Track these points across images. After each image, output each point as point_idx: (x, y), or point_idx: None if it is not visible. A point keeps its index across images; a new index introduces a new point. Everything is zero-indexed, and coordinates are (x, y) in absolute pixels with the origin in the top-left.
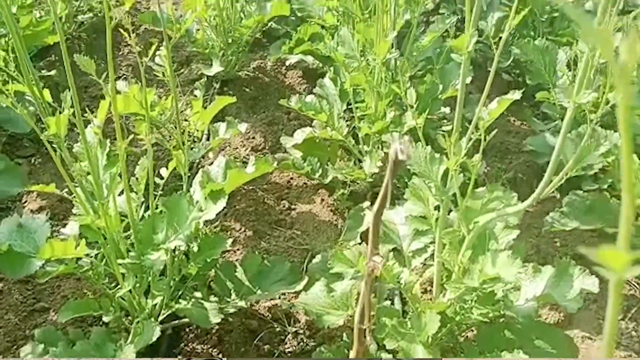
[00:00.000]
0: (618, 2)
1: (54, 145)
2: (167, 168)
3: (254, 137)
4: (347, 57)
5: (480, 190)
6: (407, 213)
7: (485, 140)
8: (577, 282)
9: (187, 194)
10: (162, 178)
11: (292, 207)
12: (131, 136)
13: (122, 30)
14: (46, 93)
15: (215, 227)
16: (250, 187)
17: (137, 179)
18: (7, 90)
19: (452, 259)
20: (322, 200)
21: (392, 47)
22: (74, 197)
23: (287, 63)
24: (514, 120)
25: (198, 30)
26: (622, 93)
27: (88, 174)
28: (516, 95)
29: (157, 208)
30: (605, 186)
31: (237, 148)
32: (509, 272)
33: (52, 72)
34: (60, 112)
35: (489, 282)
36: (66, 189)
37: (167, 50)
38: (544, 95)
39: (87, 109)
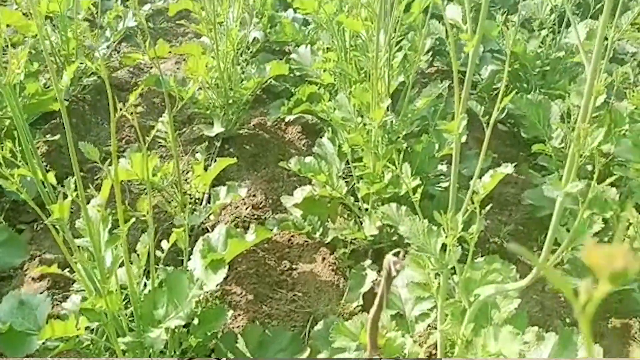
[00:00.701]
0: (608, 53)
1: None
2: (167, 241)
3: (254, 195)
4: (344, 120)
5: (479, 260)
6: (408, 280)
7: (481, 214)
8: (581, 351)
9: (187, 271)
10: (162, 251)
11: (294, 266)
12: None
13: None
14: (50, 176)
15: (216, 293)
16: (252, 248)
17: (138, 255)
18: (12, 175)
19: (455, 331)
20: (324, 259)
21: (388, 109)
22: (75, 274)
23: (287, 119)
24: (513, 172)
25: (200, 90)
26: (585, 330)
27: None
28: (508, 169)
29: (158, 280)
30: (606, 239)
31: (238, 207)
32: (512, 348)
33: (57, 137)
34: (64, 196)
35: (492, 358)
36: (68, 268)
37: (169, 117)
38: (540, 148)
39: (90, 172)
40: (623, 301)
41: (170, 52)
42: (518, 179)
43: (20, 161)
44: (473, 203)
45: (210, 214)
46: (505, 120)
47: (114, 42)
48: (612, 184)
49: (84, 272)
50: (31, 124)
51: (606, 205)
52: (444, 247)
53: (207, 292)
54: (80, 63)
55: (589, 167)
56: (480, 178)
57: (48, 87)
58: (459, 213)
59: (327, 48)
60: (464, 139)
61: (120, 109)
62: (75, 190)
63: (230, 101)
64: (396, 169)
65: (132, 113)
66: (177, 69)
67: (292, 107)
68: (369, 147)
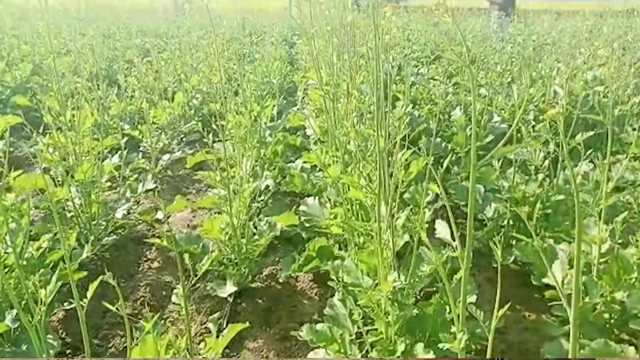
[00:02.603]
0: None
1: None
2: None
3: (267, 357)
4: (354, 286)
5: None
6: None
7: None
8: None
9: None
10: None
11: None
12: None
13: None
14: None
15: None
16: None
17: None
18: None
19: None
20: None
21: (395, 271)
22: None
23: None
24: (529, 315)
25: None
26: None
27: None
28: None
29: None
30: None
31: None
32: None
33: (73, 305)
34: None
35: None
36: None
37: (183, 291)
38: (553, 295)
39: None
40: None
41: (186, 206)
42: (536, 324)
43: None
44: None
45: None
46: (516, 260)
47: (134, 202)
48: (630, 342)
49: None
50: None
51: None
52: None
53: None
54: (101, 223)
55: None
56: None
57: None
58: None
59: (334, 203)
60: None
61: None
62: None
63: (243, 257)
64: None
65: None
66: (193, 217)
67: (303, 264)
68: (379, 316)
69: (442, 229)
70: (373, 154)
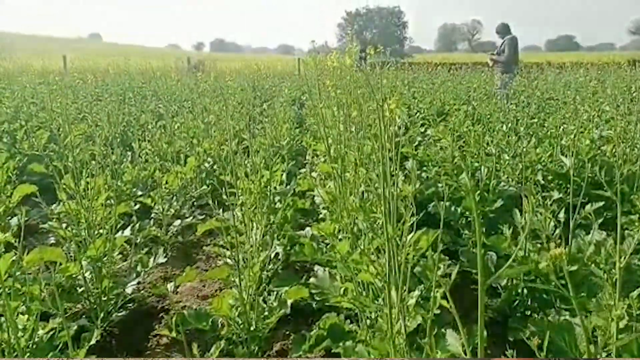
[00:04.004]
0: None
1: None
2: None
3: None
4: None
5: None
6: None
7: None
8: None
9: None
10: None
11: None
12: None
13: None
14: None
15: None
16: None
17: None
18: None
19: None
20: None
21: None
22: None
23: None
24: None
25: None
26: None
27: None
28: None
29: None
30: None
31: None
32: None
33: None
34: None
35: None
36: None
37: None
38: None
39: None
40: None
41: (196, 277)
42: None
43: None
44: None
45: None
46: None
47: (145, 276)
48: None
49: None
50: None
51: None
52: None
53: None
54: (111, 298)
55: None
56: None
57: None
58: None
59: (344, 277)
60: None
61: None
62: None
63: (253, 335)
64: None
65: None
66: (203, 286)
67: (314, 344)
68: None
69: (452, 340)
70: (382, 237)
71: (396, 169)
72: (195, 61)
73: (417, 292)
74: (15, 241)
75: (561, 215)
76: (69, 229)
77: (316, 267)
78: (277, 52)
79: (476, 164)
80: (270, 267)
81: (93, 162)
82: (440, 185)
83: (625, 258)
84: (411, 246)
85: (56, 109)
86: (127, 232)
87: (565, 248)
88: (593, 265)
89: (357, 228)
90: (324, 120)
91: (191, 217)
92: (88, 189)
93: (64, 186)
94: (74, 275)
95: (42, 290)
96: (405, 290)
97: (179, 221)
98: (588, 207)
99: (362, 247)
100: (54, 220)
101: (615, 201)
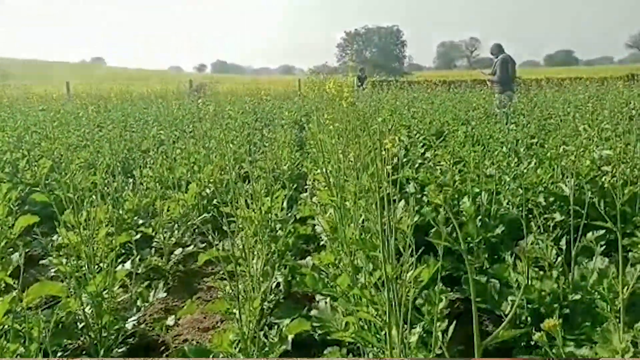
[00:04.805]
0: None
1: None
2: None
3: None
4: None
5: None
6: None
7: None
8: None
9: None
10: None
11: None
12: None
13: None
14: None
15: None
16: None
17: None
18: None
19: None
20: None
21: None
22: None
23: None
24: None
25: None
26: None
27: None
28: None
29: None
30: None
31: None
32: None
33: None
34: None
35: None
36: None
37: None
38: None
39: None
40: None
41: (197, 309)
42: None
43: None
44: None
45: None
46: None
47: (144, 311)
48: None
49: None
50: None
51: None
52: None
53: None
54: (111, 333)
55: None
56: None
57: None
58: None
59: (347, 312)
60: None
61: None
62: None
63: None
64: None
65: None
66: (204, 317)
67: None
68: None
69: None
70: (381, 275)
71: (395, 202)
72: (197, 84)
73: (418, 329)
74: (14, 282)
75: (563, 242)
76: (69, 264)
77: (318, 297)
78: (279, 72)
79: (476, 190)
80: (271, 297)
81: (94, 190)
82: (441, 209)
83: (628, 289)
84: (411, 283)
85: (57, 137)
86: (128, 265)
87: (567, 277)
88: (597, 294)
89: (357, 261)
90: (322, 149)
91: (192, 246)
92: (89, 220)
93: (64, 219)
94: (74, 311)
95: (40, 330)
96: (406, 329)
97: (180, 249)
98: (590, 234)
99: (361, 281)
100: (54, 254)
101: (616, 221)
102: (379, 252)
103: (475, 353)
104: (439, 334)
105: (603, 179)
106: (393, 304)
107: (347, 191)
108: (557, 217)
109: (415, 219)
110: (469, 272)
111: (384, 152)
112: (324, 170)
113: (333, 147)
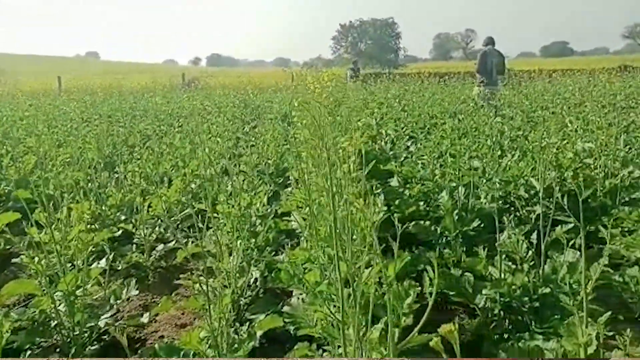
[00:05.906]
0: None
1: None
2: None
3: None
4: None
5: None
6: None
7: None
8: None
9: None
10: None
11: None
12: None
13: None
14: None
15: None
16: None
17: None
18: None
19: None
20: None
21: None
22: None
23: None
24: None
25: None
26: None
27: None
28: None
29: None
30: None
31: None
32: None
33: None
34: None
35: None
36: None
37: None
38: None
39: None
40: None
41: (172, 306)
42: None
43: None
44: None
45: None
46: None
47: (122, 306)
48: None
49: None
50: None
51: None
52: None
53: None
54: (84, 332)
55: None
56: None
57: None
58: None
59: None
60: None
61: None
62: None
63: None
64: None
65: None
66: (182, 314)
67: None
68: None
69: None
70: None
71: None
72: (190, 77)
73: (380, 325)
74: None
75: (534, 236)
76: (41, 263)
77: (294, 292)
78: (274, 65)
79: (453, 184)
80: (248, 293)
81: (77, 187)
82: (421, 203)
83: (591, 282)
84: (372, 279)
85: (43, 132)
86: (103, 262)
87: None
88: (561, 289)
89: (325, 257)
90: (296, 145)
91: (174, 242)
92: (68, 217)
93: (36, 218)
94: (45, 310)
95: (9, 329)
96: (364, 326)
97: (162, 245)
98: (558, 229)
99: (329, 277)
100: (25, 252)
101: (597, 213)
102: (332, 249)
103: (390, 353)
104: (396, 330)
105: (585, 172)
106: (350, 300)
107: (319, 187)
108: (538, 209)
109: (381, 215)
110: (434, 267)
111: (341, 151)
112: (299, 166)
113: (306, 143)
